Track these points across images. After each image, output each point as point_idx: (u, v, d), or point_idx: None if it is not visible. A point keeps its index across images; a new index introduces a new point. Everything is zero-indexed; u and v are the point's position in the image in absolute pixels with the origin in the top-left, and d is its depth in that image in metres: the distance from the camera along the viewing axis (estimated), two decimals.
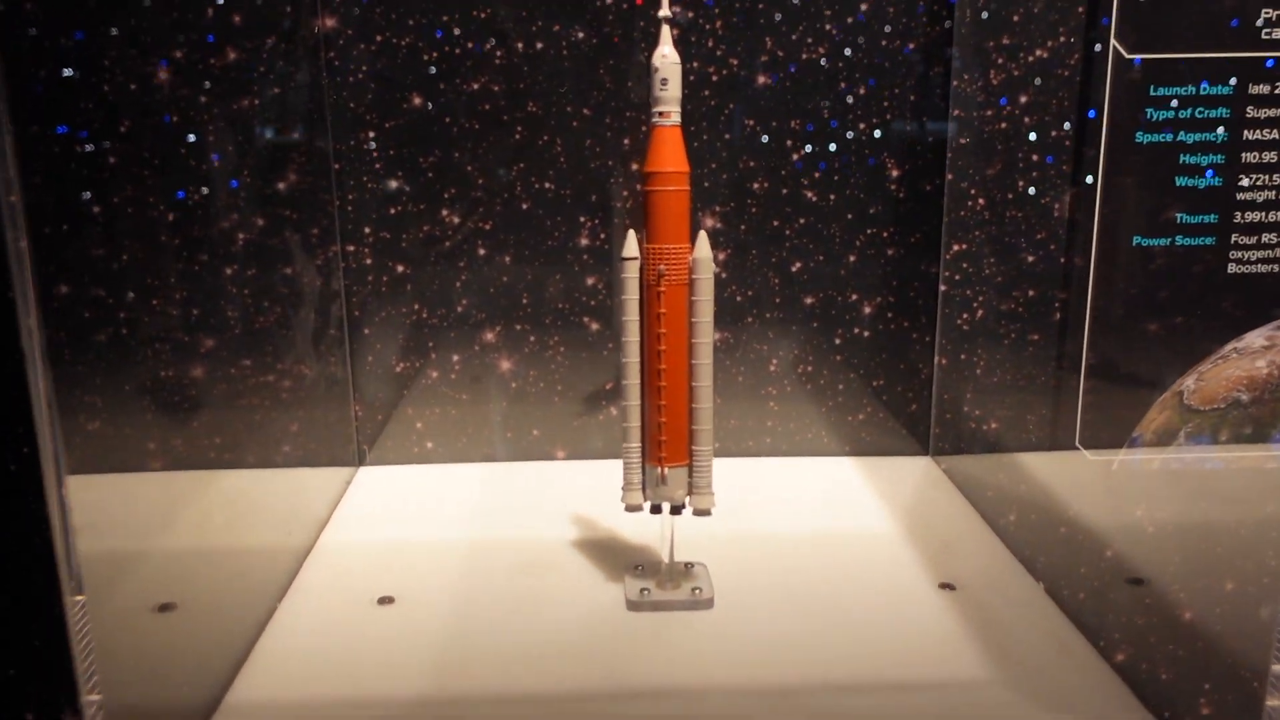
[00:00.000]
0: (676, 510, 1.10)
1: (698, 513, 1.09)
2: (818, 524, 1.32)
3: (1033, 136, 1.25)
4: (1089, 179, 1.19)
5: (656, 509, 1.11)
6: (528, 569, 1.20)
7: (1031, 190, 1.25)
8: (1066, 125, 1.22)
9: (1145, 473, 1.33)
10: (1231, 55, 1.17)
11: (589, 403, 1.50)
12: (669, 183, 1.03)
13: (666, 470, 1.08)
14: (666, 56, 1.01)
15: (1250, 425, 1.23)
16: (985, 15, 1.29)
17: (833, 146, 1.41)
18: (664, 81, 1.01)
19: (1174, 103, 1.18)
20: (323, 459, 1.44)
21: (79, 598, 0.82)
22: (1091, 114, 1.19)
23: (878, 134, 1.41)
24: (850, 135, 1.41)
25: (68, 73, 1.26)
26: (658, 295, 1.04)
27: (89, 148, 1.28)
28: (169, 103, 1.28)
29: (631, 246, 1.04)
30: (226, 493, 1.30)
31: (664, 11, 1.02)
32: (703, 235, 1.04)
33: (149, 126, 1.29)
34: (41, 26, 1.23)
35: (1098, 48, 1.19)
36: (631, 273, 1.04)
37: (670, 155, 1.03)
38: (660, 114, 1.02)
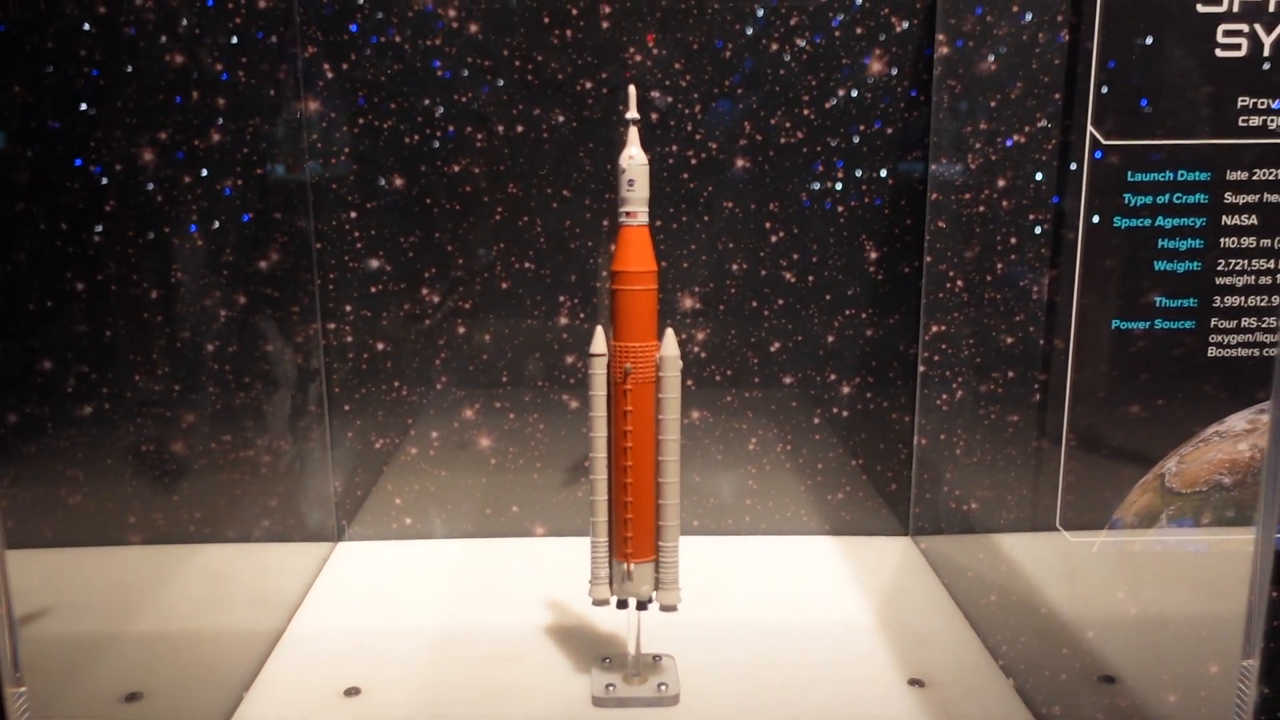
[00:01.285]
0: (643, 606, 1.06)
1: (664, 608, 1.05)
2: (790, 612, 1.27)
3: (1011, 220, 1.21)
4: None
5: (623, 604, 1.07)
6: (496, 659, 1.15)
7: (1013, 265, 1.20)
8: (1045, 209, 1.17)
9: (1126, 555, 1.29)
10: (1208, 142, 1.12)
11: (567, 479, 1.45)
12: (636, 282, 1.01)
13: (633, 566, 1.04)
14: (634, 158, 0.99)
15: (1232, 508, 1.19)
16: (964, 105, 1.25)
17: (811, 229, 1.37)
18: (631, 182, 1.00)
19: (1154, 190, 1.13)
20: (301, 534, 1.40)
21: (19, 689, 0.75)
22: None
23: (856, 217, 1.37)
24: (828, 217, 1.37)
25: (54, 152, 1.24)
26: (624, 393, 1.01)
27: (73, 226, 1.25)
28: (153, 182, 1.26)
29: (599, 343, 1.02)
30: (203, 570, 1.26)
31: (631, 114, 1.00)
32: (669, 333, 1.02)
33: (133, 206, 1.27)
34: (29, 107, 1.21)
35: (1079, 131, 1.14)
36: (599, 369, 1.02)
37: (637, 255, 1.01)
38: (628, 214, 1.00)
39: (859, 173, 1.36)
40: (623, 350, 1.01)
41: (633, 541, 1.04)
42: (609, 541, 1.06)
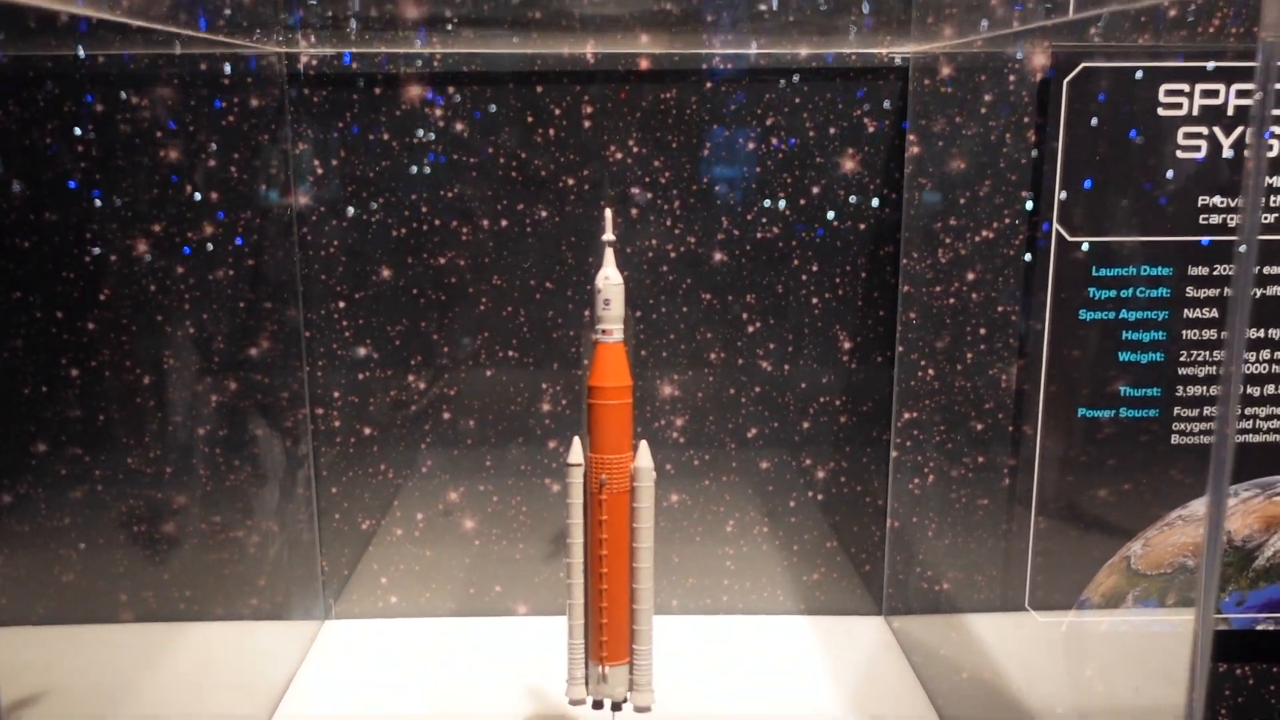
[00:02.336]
0: (617, 707, 1.06)
1: (638, 709, 1.06)
2: (764, 701, 1.25)
3: (980, 312, 1.21)
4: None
5: (599, 704, 1.07)
6: None
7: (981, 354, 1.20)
8: (1013, 300, 1.17)
9: (1092, 636, 1.27)
10: (1170, 239, 1.13)
11: (550, 552, 1.44)
12: (611, 396, 1.02)
13: (607, 669, 1.04)
14: (609, 278, 1.01)
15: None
16: (934, 202, 1.26)
17: (787, 319, 1.38)
18: (606, 302, 1.02)
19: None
20: (289, 612, 1.38)
21: None
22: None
23: (830, 308, 1.38)
24: (804, 309, 1.38)
25: (50, 242, 1.24)
26: (600, 503, 1.02)
27: (68, 314, 1.25)
28: (147, 274, 1.27)
29: (576, 453, 1.03)
30: (192, 651, 1.24)
31: (608, 235, 1.02)
32: (644, 445, 1.03)
33: (127, 295, 1.28)
34: (25, 201, 1.20)
35: (1045, 226, 1.15)
36: (575, 478, 1.03)
37: (612, 371, 1.02)
38: (603, 331, 1.03)
39: (833, 266, 1.36)
40: (598, 462, 1.02)
41: (608, 645, 1.04)
42: (584, 643, 1.06)
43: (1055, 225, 1.13)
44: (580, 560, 1.04)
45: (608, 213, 1.02)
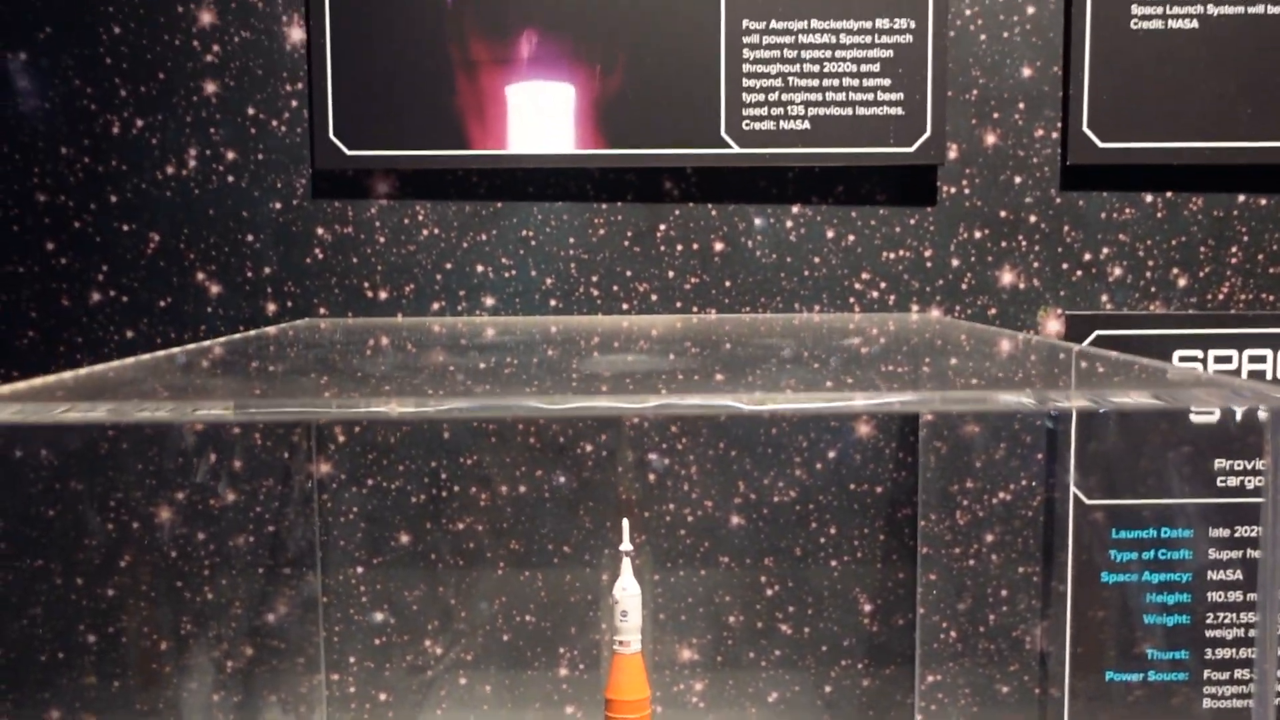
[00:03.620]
0: None
1: None
2: None
3: (1001, 574, 1.16)
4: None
5: None
6: None
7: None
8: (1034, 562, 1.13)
9: None
10: (1189, 501, 1.09)
11: None
12: (628, 710, 1.02)
13: None
14: (626, 590, 1.02)
15: None
16: (950, 465, 1.23)
17: (806, 582, 1.33)
18: (624, 614, 1.02)
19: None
20: None
21: None
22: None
23: (849, 570, 1.33)
24: (823, 572, 1.33)
25: (73, 511, 1.23)
26: None
27: (88, 580, 1.23)
28: (169, 541, 1.26)
29: None
30: None
31: (625, 546, 1.02)
32: None
33: (147, 561, 1.26)
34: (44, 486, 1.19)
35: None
36: None
37: (630, 683, 1.02)
38: (620, 643, 1.02)
39: (851, 529, 1.33)
40: None
41: None
42: None
43: (1073, 488, 1.10)
44: None
45: (625, 523, 0.99)
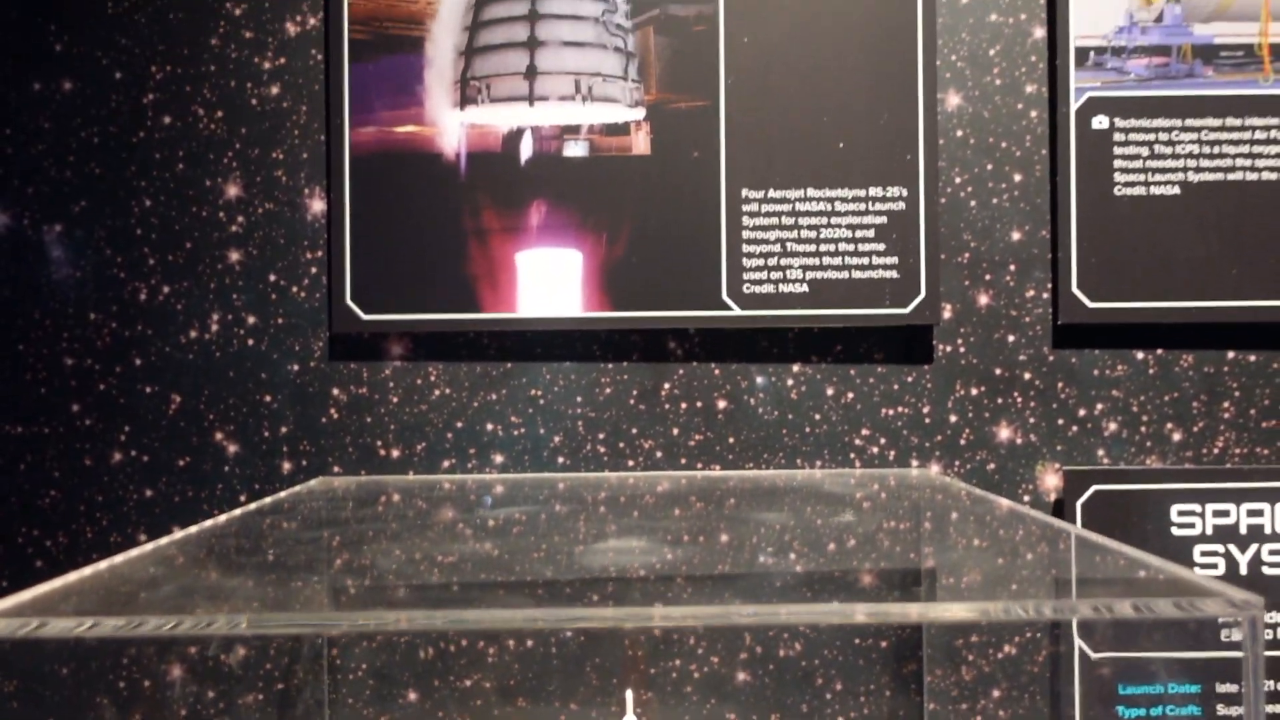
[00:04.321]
0: None
1: None
2: None
3: None
4: None
5: None
6: None
7: None
8: None
9: None
10: (1198, 655, 1.07)
11: None
12: None
13: None
14: None
15: None
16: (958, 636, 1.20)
17: None
18: None
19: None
20: None
21: None
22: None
23: None
24: None
25: (89, 667, 1.22)
26: None
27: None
28: (178, 698, 1.25)
29: None
30: None
31: (629, 718, 1.03)
32: None
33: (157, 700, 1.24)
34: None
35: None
36: None
37: None
38: None
39: (857, 684, 1.31)
40: None
41: None
42: None
43: (1077, 641, 1.08)
44: None
45: (629, 694, 0.97)
